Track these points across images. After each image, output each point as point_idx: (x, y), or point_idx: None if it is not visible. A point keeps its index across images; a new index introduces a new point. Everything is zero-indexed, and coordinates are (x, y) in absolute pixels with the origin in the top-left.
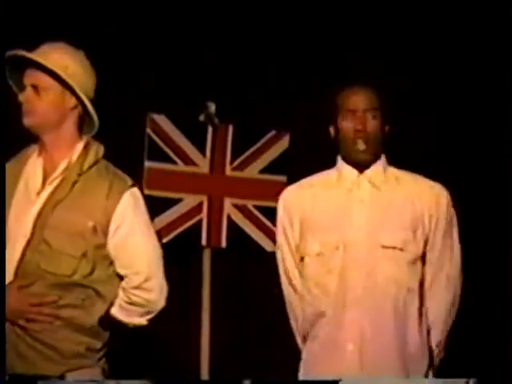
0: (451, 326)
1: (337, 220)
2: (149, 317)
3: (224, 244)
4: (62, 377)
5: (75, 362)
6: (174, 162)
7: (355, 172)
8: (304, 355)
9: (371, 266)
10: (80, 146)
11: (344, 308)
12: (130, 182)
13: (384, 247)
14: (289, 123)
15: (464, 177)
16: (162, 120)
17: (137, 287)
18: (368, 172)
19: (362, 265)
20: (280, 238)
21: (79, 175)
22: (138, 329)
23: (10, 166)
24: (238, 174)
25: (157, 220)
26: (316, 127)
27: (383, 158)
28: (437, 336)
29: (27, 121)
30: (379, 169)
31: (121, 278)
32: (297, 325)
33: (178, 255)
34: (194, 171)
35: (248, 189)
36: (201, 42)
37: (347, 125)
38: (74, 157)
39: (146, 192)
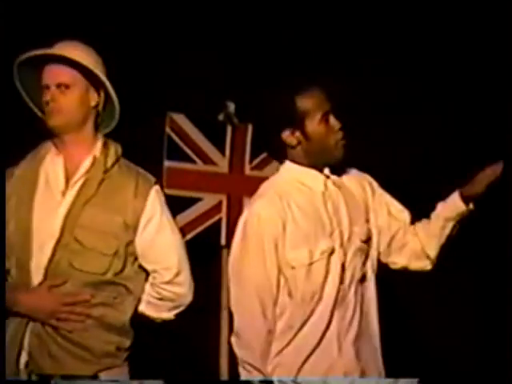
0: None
1: (324, 226)
2: (177, 311)
3: None
4: (94, 377)
5: (106, 362)
6: (194, 162)
7: (319, 174)
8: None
9: (359, 261)
10: (99, 144)
11: (341, 309)
12: (153, 179)
13: (363, 242)
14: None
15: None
16: (181, 119)
17: (168, 282)
18: (326, 171)
19: (354, 261)
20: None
21: (104, 173)
22: (158, 328)
23: (25, 164)
24: (256, 173)
25: (177, 219)
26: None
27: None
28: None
29: (54, 121)
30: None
31: (147, 273)
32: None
33: (198, 254)
34: (214, 170)
35: None
36: (220, 42)
37: (321, 128)
38: (97, 155)
39: (166, 191)
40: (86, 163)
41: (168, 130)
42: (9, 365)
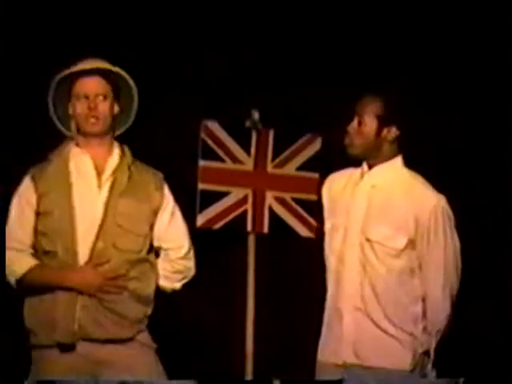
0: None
1: (346, 207)
2: (184, 281)
3: (266, 230)
4: (131, 339)
5: (138, 327)
6: (224, 161)
7: (365, 168)
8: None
9: (358, 253)
10: (116, 145)
11: (340, 285)
12: (161, 174)
13: (366, 239)
14: (321, 128)
15: (466, 178)
16: (214, 126)
17: (182, 257)
18: (375, 170)
19: (353, 250)
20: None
21: (128, 169)
22: (185, 321)
23: (54, 163)
24: (278, 171)
25: (209, 210)
26: (344, 132)
27: (397, 159)
28: (434, 324)
29: (94, 127)
30: (387, 167)
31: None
32: None
33: (227, 240)
34: (241, 168)
35: (286, 183)
36: (248, 61)
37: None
38: (120, 154)
39: (200, 186)
40: (114, 161)
41: (203, 134)
42: (63, 333)
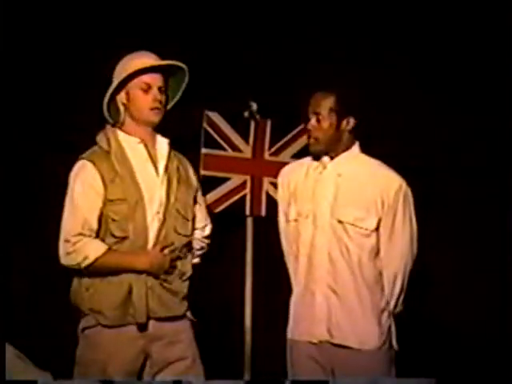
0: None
1: (309, 195)
2: (199, 257)
3: (263, 213)
4: (183, 316)
5: (186, 304)
6: (224, 149)
7: (327, 158)
8: (290, 310)
9: (330, 236)
10: (155, 133)
11: (312, 268)
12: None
13: (338, 221)
14: None
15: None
16: (215, 116)
17: (207, 236)
18: (336, 159)
19: (324, 233)
20: (279, 203)
21: (175, 156)
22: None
23: (110, 148)
24: (274, 158)
25: (211, 195)
26: None
27: (355, 147)
28: (391, 295)
29: (157, 117)
30: (348, 156)
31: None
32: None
33: (227, 222)
34: (240, 156)
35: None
36: (246, 55)
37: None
38: (167, 141)
39: (203, 172)
40: (164, 150)
41: (205, 124)
42: (139, 313)
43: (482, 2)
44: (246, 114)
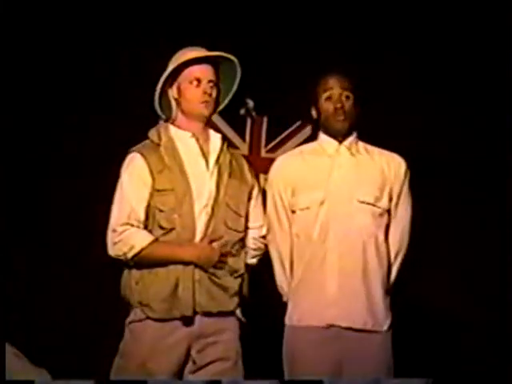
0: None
1: (321, 180)
2: (258, 258)
3: None
4: (232, 313)
5: (237, 300)
6: None
7: (335, 142)
8: (290, 297)
9: (348, 217)
10: (208, 129)
11: (327, 252)
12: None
13: (359, 201)
14: (311, 116)
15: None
16: None
17: (263, 236)
18: (345, 142)
19: (342, 216)
20: (274, 196)
21: (228, 150)
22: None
23: (160, 141)
24: (270, 155)
25: None
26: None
27: (355, 134)
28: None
29: (208, 111)
30: (353, 140)
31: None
32: (284, 270)
33: None
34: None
35: None
36: (242, 52)
37: (328, 105)
38: (220, 135)
39: None
40: (217, 144)
41: None
42: (185, 307)
43: (482, 2)
44: (243, 111)
